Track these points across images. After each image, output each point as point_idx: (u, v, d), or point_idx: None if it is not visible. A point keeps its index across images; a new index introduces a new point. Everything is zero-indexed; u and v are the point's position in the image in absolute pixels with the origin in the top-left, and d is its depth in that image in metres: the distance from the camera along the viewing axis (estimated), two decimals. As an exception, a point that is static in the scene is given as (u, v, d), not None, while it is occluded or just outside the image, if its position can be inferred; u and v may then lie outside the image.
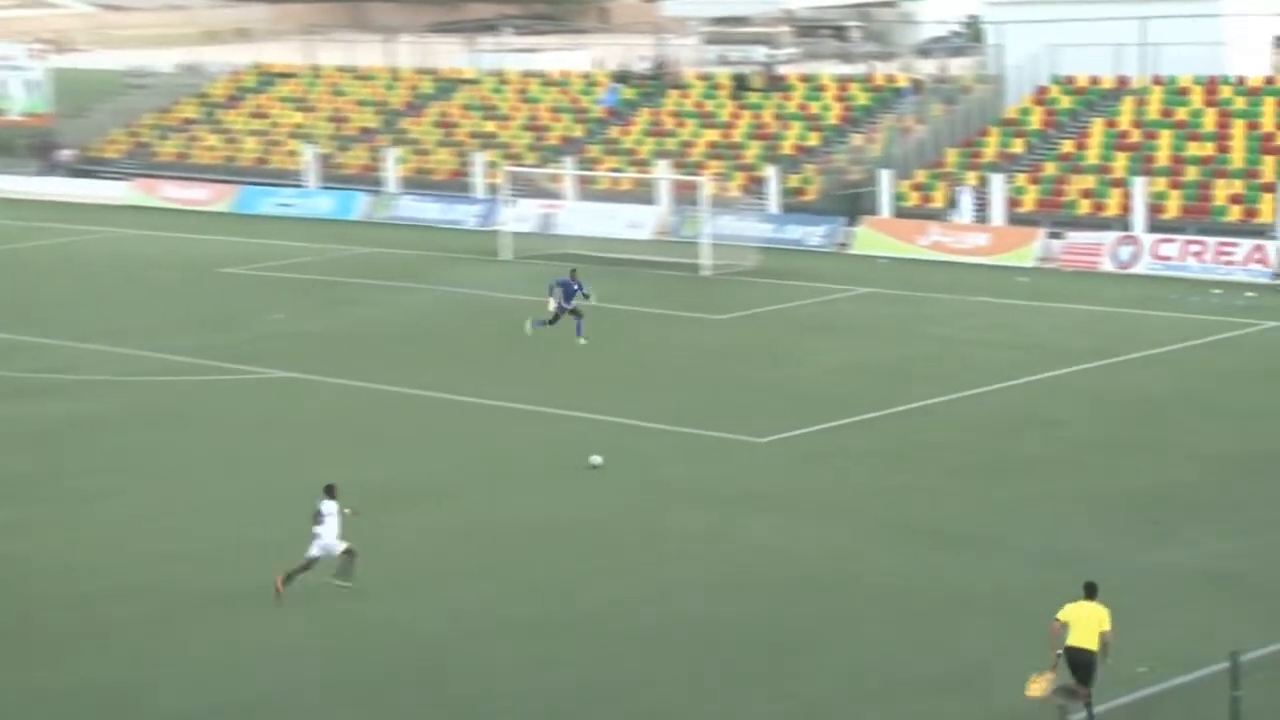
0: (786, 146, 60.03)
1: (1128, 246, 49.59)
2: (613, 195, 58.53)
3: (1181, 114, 55.03)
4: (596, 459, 28.92)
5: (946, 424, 31.90)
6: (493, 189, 59.96)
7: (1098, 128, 56.05)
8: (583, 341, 38.31)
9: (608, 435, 31.30)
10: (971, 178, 55.34)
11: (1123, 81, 57.26)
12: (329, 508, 23.19)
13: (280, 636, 21.87)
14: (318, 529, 23.04)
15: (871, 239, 53.62)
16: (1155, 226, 50.35)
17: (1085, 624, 18.65)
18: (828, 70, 67.55)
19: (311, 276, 50.21)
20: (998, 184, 53.08)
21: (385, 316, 44.11)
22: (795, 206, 56.78)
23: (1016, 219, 52.71)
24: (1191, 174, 52.47)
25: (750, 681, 20.42)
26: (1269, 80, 55.89)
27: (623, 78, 67.16)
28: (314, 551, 23.08)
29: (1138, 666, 19.86)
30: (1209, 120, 54.41)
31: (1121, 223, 51.14)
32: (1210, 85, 55.62)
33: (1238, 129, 53.58)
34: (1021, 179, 54.57)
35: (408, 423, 32.76)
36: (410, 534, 25.82)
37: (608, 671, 20.79)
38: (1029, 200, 53.58)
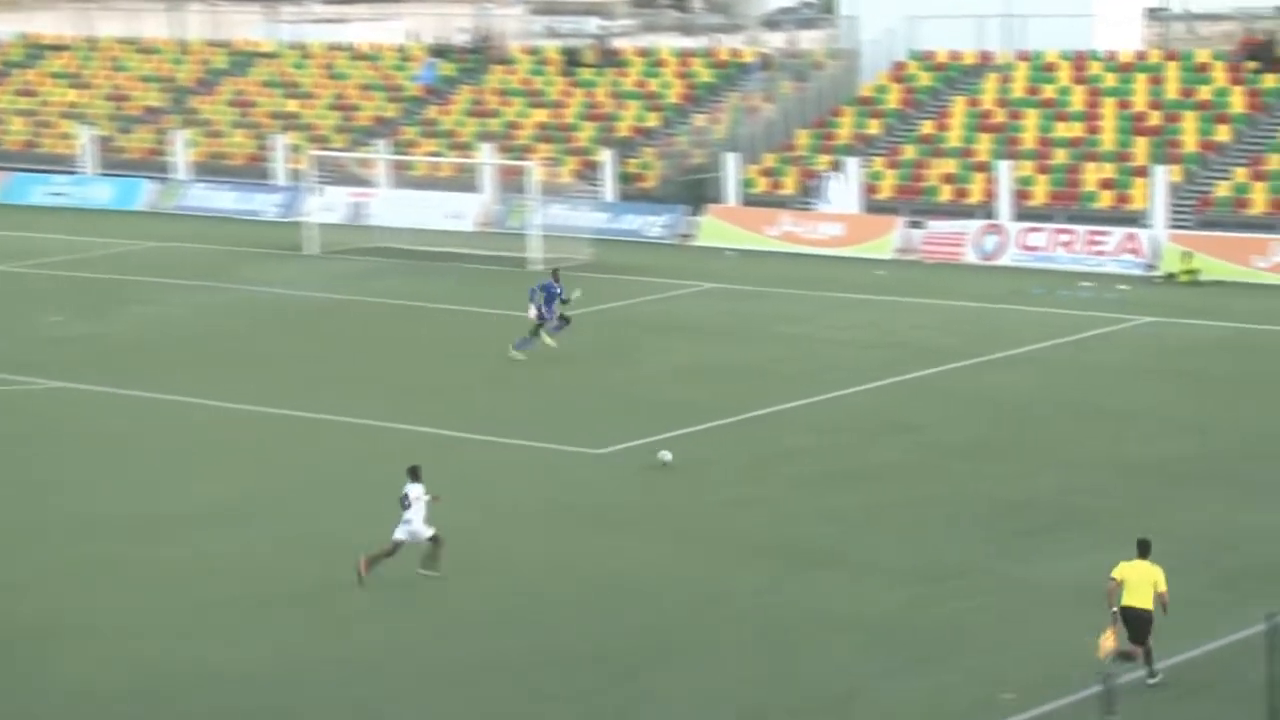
0: (623, 128, 60.32)
1: (992, 236, 50.59)
2: (431, 182, 58.38)
3: (1048, 92, 56.32)
4: (666, 455, 29.60)
5: (802, 430, 32.33)
6: (296, 176, 59.48)
7: (959, 107, 57.13)
8: (552, 344, 37.65)
9: (426, 448, 31.21)
10: (824, 162, 56.09)
11: (985, 57, 58.45)
12: (415, 491, 24.01)
13: None
14: (407, 514, 23.95)
15: (717, 229, 54.09)
16: (1022, 214, 51.48)
17: (1139, 583, 20.49)
18: (667, 44, 68.00)
19: (90, 274, 49.43)
20: (853, 169, 53.86)
21: (174, 319, 43.59)
22: (633, 194, 57.08)
23: (874, 206, 53.55)
24: (1060, 157, 53.71)
25: (598, 712, 20.56)
26: (1141, 55, 57.45)
27: (440, 51, 66.99)
28: (399, 535, 24.00)
29: (1003, 693, 20.34)
30: (1077, 99, 55.73)
31: (986, 210, 52.19)
32: (1078, 61, 56.99)
33: (1108, 108, 54.96)
34: (878, 163, 55.44)
35: (197, 437, 32.45)
36: (187, 559, 25.55)
37: (441, 704, 20.76)
38: (887, 186, 54.46)
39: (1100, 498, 27.82)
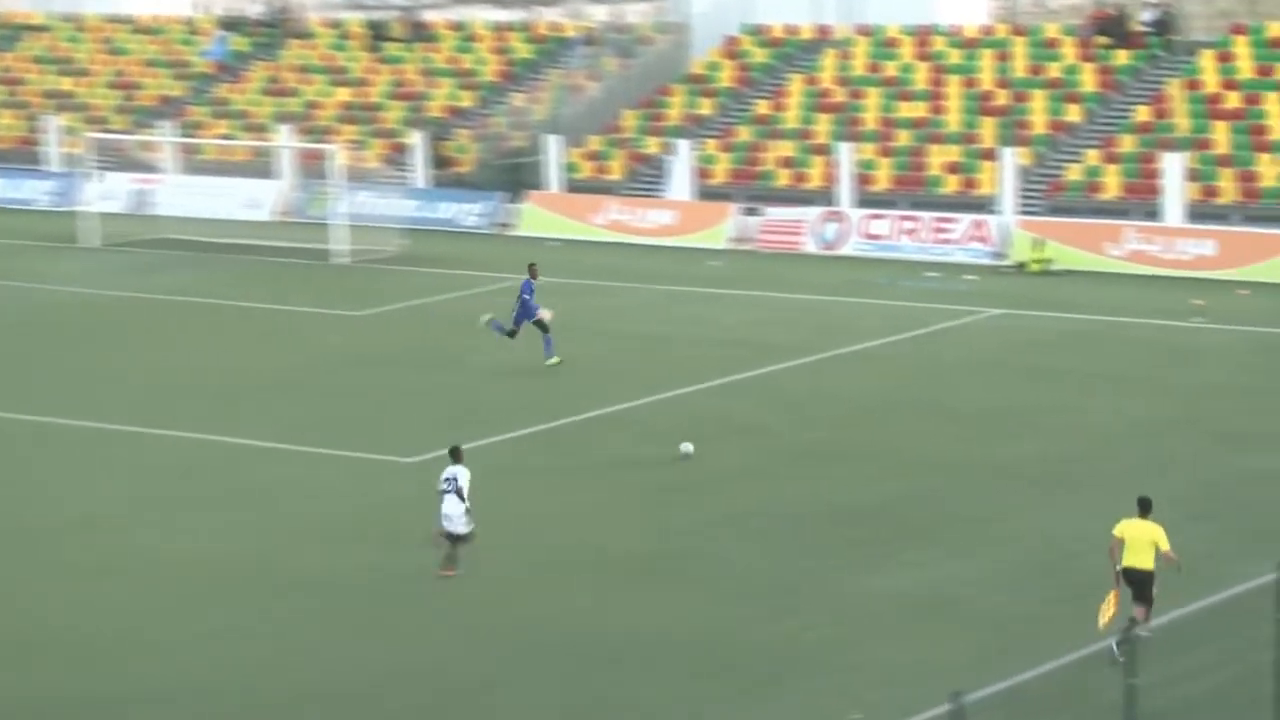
0: (434, 108, 60.05)
1: (833, 224, 51.05)
2: (223, 168, 57.67)
3: (890, 69, 56.95)
4: (687, 447, 30.13)
5: (632, 434, 32.40)
6: (71, 161, 58.41)
7: (796, 85, 57.59)
8: (556, 361, 36.75)
9: (217, 459, 30.83)
10: (653, 144, 56.27)
11: (824, 32, 58.96)
12: (464, 478, 24.64)
13: None
14: (446, 507, 24.66)
15: (538, 218, 54.05)
16: (864, 200, 52.03)
17: (1139, 542, 21.58)
18: (482, 17, 67.75)
19: None
20: (684, 152, 54.07)
21: (-62, 320, 42.75)
22: (447, 180, 56.86)
23: (707, 193, 53.81)
24: (903, 139, 54.35)
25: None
26: (987, 30, 58.27)
27: (232, 25, 66.23)
28: (445, 526, 24.71)
29: (851, 714, 20.50)
30: (921, 76, 56.42)
31: (825, 196, 52.64)
32: (922, 36, 57.70)
33: (953, 86, 55.71)
34: (711, 145, 55.72)
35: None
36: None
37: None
38: (720, 170, 54.76)
39: (948, 504, 28.14)
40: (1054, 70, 55.11)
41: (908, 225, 50.22)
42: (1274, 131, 50.91)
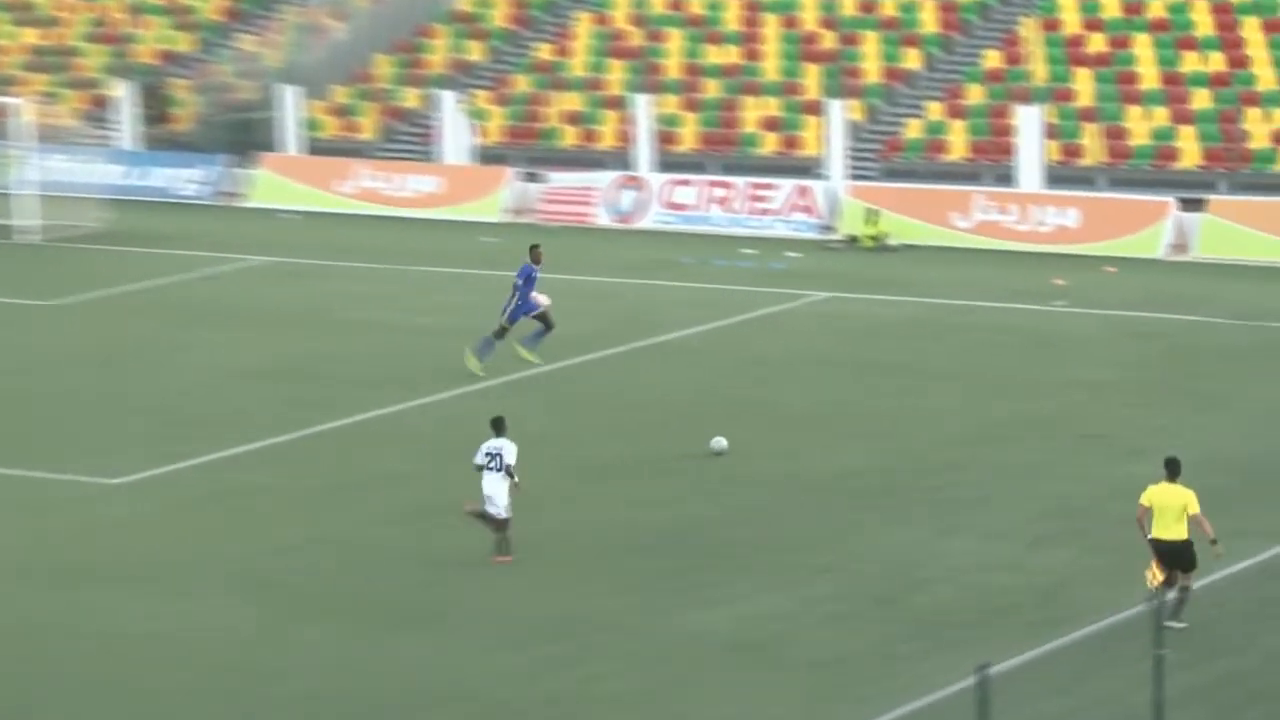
0: (144, 53, 59.31)
1: (629, 191, 51.19)
2: (-118, 126, 56.47)
3: (696, 6, 57.21)
4: (721, 442, 30.96)
5: (386, 448, 32.26)
6: None
7: (584, 27, 57.66)
8: (534, 359, 36.50)
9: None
10: (412, 97, 56.03)
11: (616, -39, 59.11)
12: (510, 452, 26.26)
13: None
14: (487, 488, 26.28)
15: (273, 186, 53.64)
16: (666, 164, 52.20)
17: (1168, 511, 22.95)
18: (201, -58, 67.06)
19: None
20: (448, 106, 53.87)
21: None
22: (160, 141, 56.21)
23: (478, 155, 53.64)
24: (712, 90, 54.60)
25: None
26: (810, -39, 58.72)
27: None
28: (484, 507, 26.29)
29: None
30: (732, 15, 56.75)
31: (620, 158, 52.78)
32: (733, -33, 58.03)
33: (770, 28, 56.09)
34: (482, 98, 55.57)
35: None
36: None
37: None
38: (494, 128, 54.64)
39: (769, 525, 28.30)
40: (888, 8, 55.68)
41: (718, 193, 50.53)
42: (1145, 80, 51.87)
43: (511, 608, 25.33)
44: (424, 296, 43.21)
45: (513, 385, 35.75)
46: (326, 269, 45.45)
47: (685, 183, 50.93)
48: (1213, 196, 47.59)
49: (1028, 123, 49.27)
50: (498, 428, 26.69)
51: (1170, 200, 47.21)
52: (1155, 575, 23.19)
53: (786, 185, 50.14)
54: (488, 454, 26.43)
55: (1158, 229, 46.86)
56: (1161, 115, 50.44)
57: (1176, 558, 23.12)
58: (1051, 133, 49.83)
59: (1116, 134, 50.27)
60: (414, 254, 47.15)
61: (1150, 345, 38.52)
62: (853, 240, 48.12)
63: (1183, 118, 50.19)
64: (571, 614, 25.03)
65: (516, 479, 26.35)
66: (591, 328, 39.87)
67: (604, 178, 51.51)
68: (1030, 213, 47.88)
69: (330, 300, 42.37)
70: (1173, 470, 23.36)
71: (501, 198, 51.88)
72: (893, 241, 47.72)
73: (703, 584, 25.95)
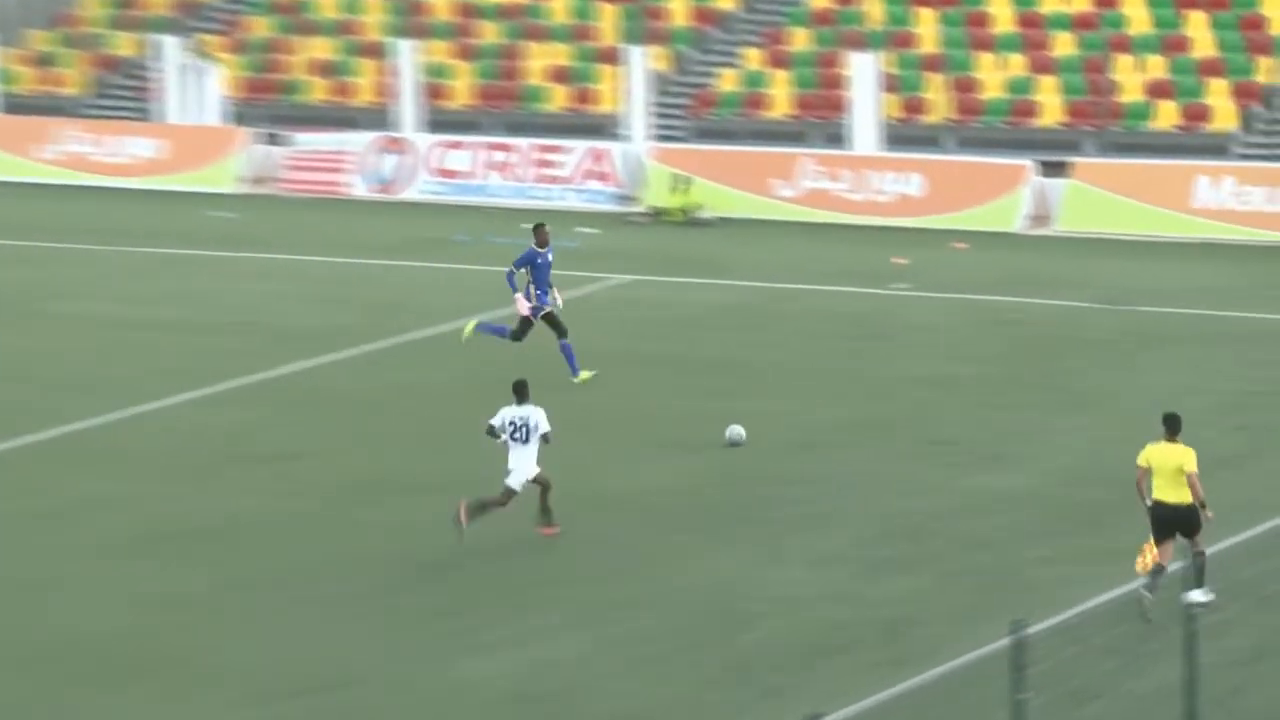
0: None
1: (391, 156, 51.10)
2: None
3: (470, -64, 57.07)
4: (738, 431, 32.09)
5: (94, 467, 31.98)
6: None
7: (335, -41, 57.39)
8: (584, 376, 35.70)
9: None
10: (126, 43, 55.45)
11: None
12: (537, 417, 27.74)
13: None
14: (512, 460, 27.81)
15: (-41, 151, 53.13)
16: (436, 123, 52.18)
17: (1166, 471, 24.39)
18: None
19: None
20: (171, 54, 53.35)
21: None
22: None
23: (211, 113, 53.22)
24: (489, 34, 54.52)
25: None
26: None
27: None
28: (511, 483, 27.89)
29: None
30: (514, -53, 56.64)
31: (380, 117, 52.61)
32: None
33: (559, -39, 56.04)
34: (213, 44, 55.10)
35: None
36: None
37: None
38: (227, 80, 54.12)
39: (559, 553, 28.17)
40: (698, -62, 55.77)
41: (498, 158, 50.52)
42: (999, 23, 52.22)
43: (250, 657, 25.04)
44: (143, 283, 42.93)
45: (239, 392, 35.57)
46: (23, 251, 45.02)
47: (458, 145, 50.99)
48: (1078, 159, 47.99)
49: (862, 73, 49.43)
50: (520, 393, 27.97)
51: (1028, 164, 47.57)
52: (1147, 558, 24.28)
53: (579, 148, 50.30)
54: (512, 423, 27.81)
55: (1014, 198, 47.24)
56: (1018, 64, 50.82)
57: (1180, 522, 24.38)
58: (890, 85, 50.04)
59: (966, 86, 50.58)
60: (130, 232, 46.98)
61: (1007, 334, 38.77)
62: (658, 213, 48.22)
63: (1043, 67, 50.58)
64: (323, 663, 24.76)
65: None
66: (344, 320, 39.83)
67: (360, 140, 51.56)
68: (866, 179, 48.16)
69: (28, 289, 42.05)
70: (1172, 427, 24.63)
71: (236, 164, 51.60)
72: (706, 214, 47.79)
73: (482, 625, 25.79)
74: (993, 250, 45.04)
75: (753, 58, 52.63)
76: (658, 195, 48.57)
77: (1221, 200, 46.28)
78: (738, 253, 44.77)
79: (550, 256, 36.27)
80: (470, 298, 41.28)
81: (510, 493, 27.94)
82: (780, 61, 52.29)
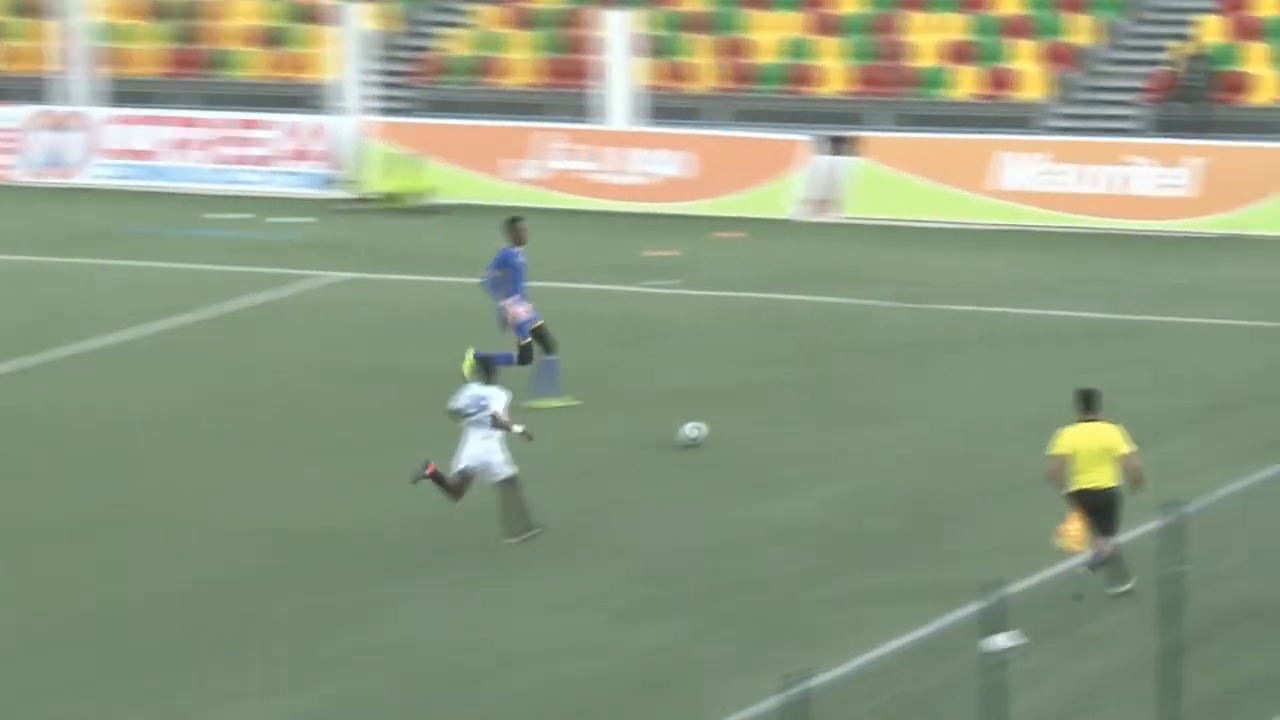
0: None
1: (57, 133, 50.87)
2: None
3: None
4: (693, 431, 32.76)
5: None
6: None
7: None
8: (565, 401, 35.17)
9: None
10: None
11: None
12: (499, 401, 28.39)
13: None
14: (473, 439, 28.57)
15: None
16: (114, 94, 52.03)
17: (1091, 454, 25.03)
18: None
19: None
20: None
21: None
22: None
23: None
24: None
25: None
26: None
27: None
28: (467, 463, 28.61)
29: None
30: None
31: (44, 87, 52.53)
32: None
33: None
34: None
35: None
36: None
37: None
38: None
39: (247, 601, 27.76)
40: None
41: (185, 134, 50.33)
42: (775, -26, 52.31)
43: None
44: None
45: None
46: None
47: (138, 120, 50.68)
48: (867, 133, 48.11)
49: (615, 35, 49.37)
50: (485, 369, 28.99)
51: (809, 139, 47.60)
52: (1072, 531, 25.05)
53: (283, 123, 50.29)
54: (466, 404, 28.71)
55: (791, 179, 47.27)
56: (795, 23, 51.08)
57: (1110, 509, 25.06)
58: (649, 48, 49.93)
59: (735, 49, 50.65)
60: None
61: (783, 338, 38.98)
62: (380, 199, 47.98)
63: (825, 26, 50.87)
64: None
65: (521, 429, 28.70)
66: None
67: (18, 114, 51.44)
68: (620, 158, 48.22)
69: None
70: (1091, 404, 25.35)
71: None
72: (434, 199, 47.60)
73: (160, 689, 25.29)
74: (771, 240, 45.27)
75: (489, 16, 52.63)
76: (377, 178, 48.35)
77: (1030, 180, 46.55)
78: (469, 245, 44.38)
79: (522, 260, 35.69)
80: (146, 300, 41.17)
81: (462, 478, 28.78)
82: (521, 21, 52.34)
